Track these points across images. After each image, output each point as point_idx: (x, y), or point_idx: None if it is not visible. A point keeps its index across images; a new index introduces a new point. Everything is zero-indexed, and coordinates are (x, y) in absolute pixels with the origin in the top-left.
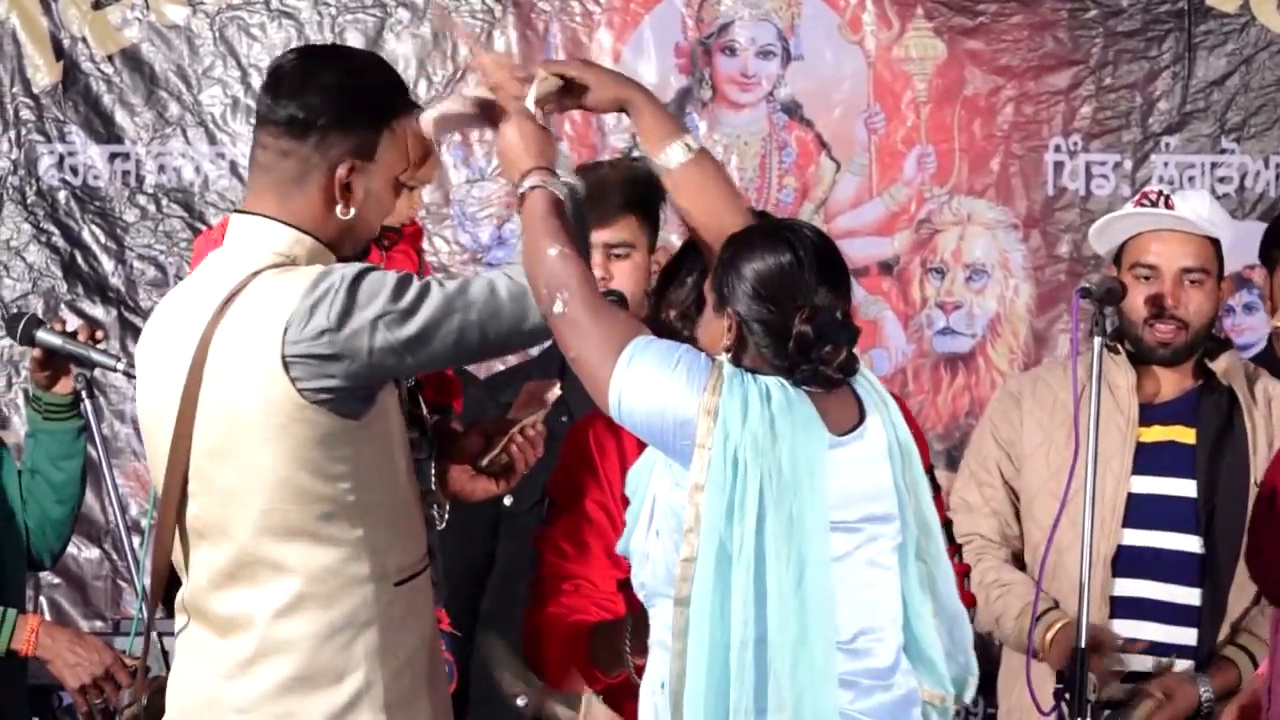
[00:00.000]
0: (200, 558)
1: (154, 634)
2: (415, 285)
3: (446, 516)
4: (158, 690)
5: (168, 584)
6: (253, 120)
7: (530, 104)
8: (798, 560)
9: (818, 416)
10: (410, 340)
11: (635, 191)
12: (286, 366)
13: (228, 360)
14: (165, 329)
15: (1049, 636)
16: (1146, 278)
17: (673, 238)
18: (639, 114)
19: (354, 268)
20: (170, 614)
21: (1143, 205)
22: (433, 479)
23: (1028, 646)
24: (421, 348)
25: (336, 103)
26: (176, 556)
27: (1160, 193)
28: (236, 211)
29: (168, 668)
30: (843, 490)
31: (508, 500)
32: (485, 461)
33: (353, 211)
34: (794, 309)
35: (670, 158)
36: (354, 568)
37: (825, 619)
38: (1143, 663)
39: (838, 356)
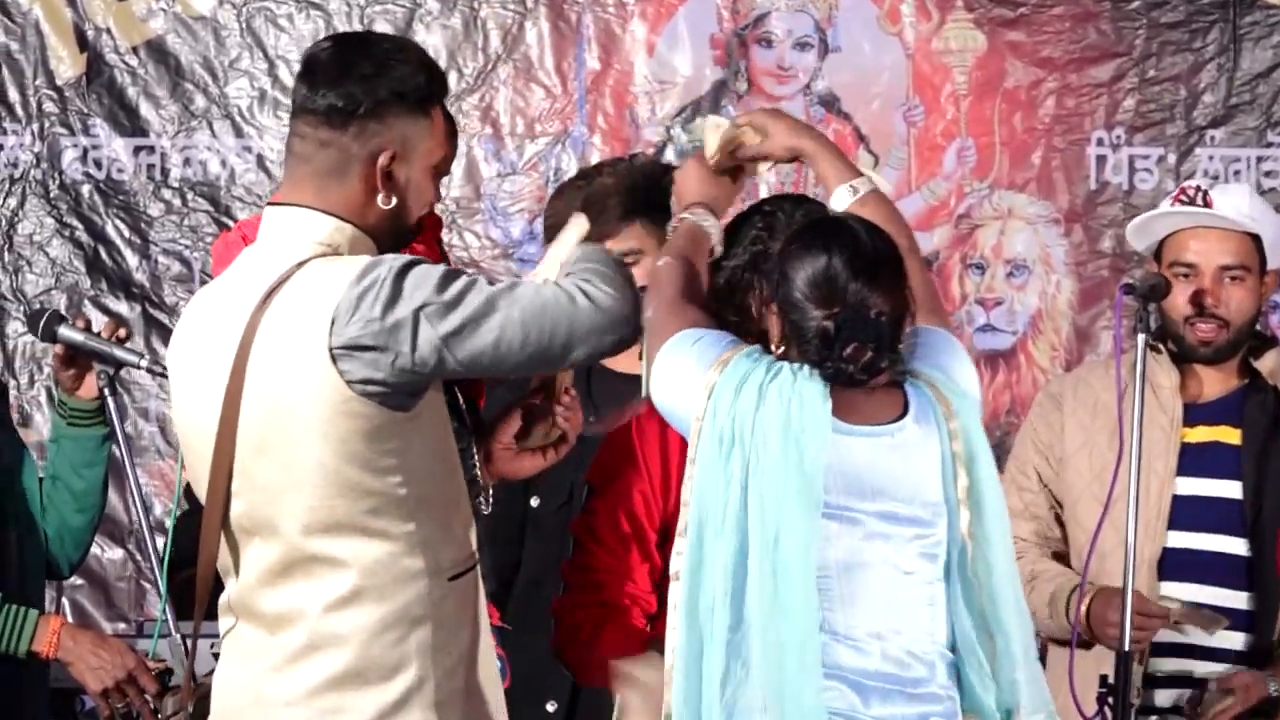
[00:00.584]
0: (250, 556)
1: (179, 636)
2: (462, 279)
3: (491, 502)
4: (203, 696)
5: (183, 585)
6: (280, 113)
7: (709, 152)
8: (775, 537)
9: (823, 399)
10: (451, 334)
11: (636, 198)
12: (334, 358)
13: (273, 353)
14: (202, 325)
15: (1085, 606)
16: (1186, 276)
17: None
18: (814, 162)
19: (402, 258)
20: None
21: (1181, 202)
22: (476, 466)
23: (1071, 633)
24: (462, 343)
25: (376, 91)
26: (222, 557)
27: (1199, 188)
28: (272, 204)
29: (193, 672)
30: (850, 477)
31: (535, 501)
32: (532, 438)
33: (394, 200)
34: (825, 308)
35: (837, 201)
36: (407, 561)
37: (802, 600)
38: (1197, 636)
39: (861, 355)
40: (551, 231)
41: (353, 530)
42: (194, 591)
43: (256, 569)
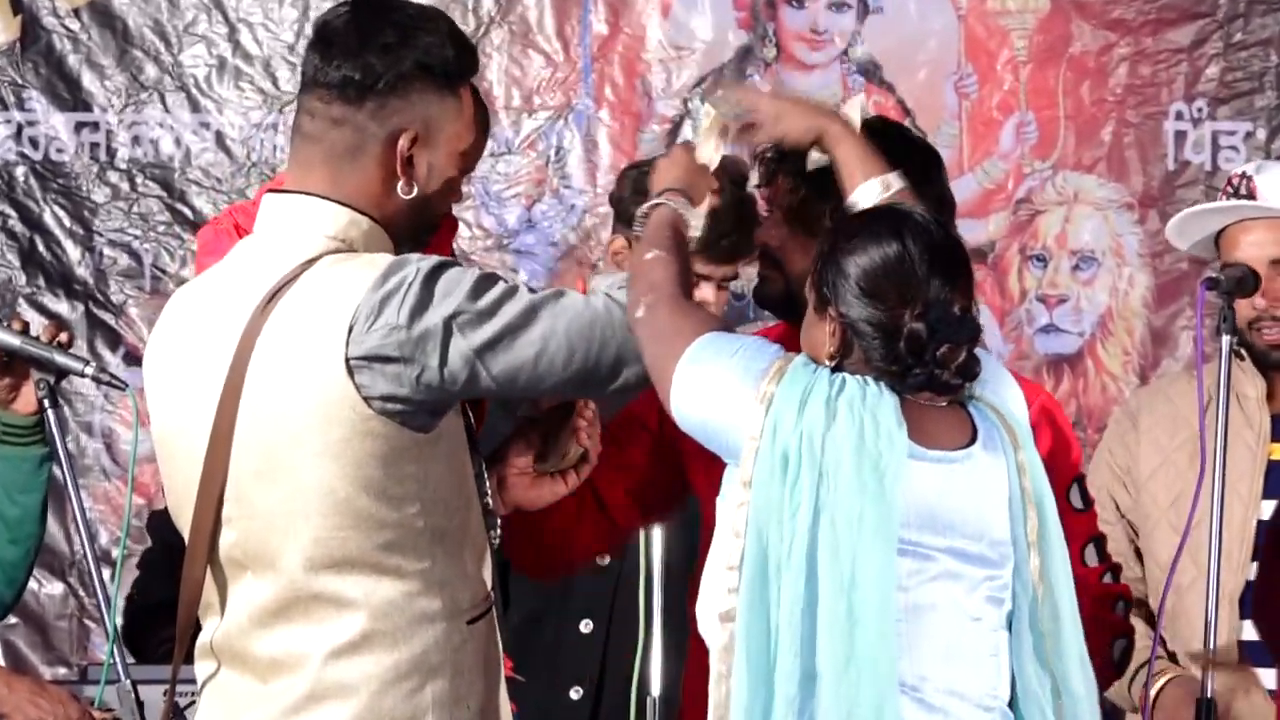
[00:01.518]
0: (240, 592)
1: (129, 682)
2: (500, 285)
3: (501, 537)
4: None
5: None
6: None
7: (703, 150)
8: (850, 576)
9: (898, 418)
10: (485, 346)
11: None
12: (351, 371)
13: (277, 364)
14: (189, 329)
15: (1154, 692)
16: None
17: None
18: (838, 147)
19: (431, 259)
20: (142, 659)
21: (1226, 194)
22: (489, 493)
23: (1141, 708)
24: (497, 356)
25: (399, 62)
26: (205, 593)
27: (1243, 175)
28: (272, 190)
29: None
30: (923, 509)
31: None
32: (551, 461)
33: (415, 189)
34: (905, 305)
35: (864, 196)
36: (423, 603)
37: (879, 651)
38: None
39: (956, 357)
40: (620, 214)
41: (364, 567)
42: (158, 634)
43: (248, 608)
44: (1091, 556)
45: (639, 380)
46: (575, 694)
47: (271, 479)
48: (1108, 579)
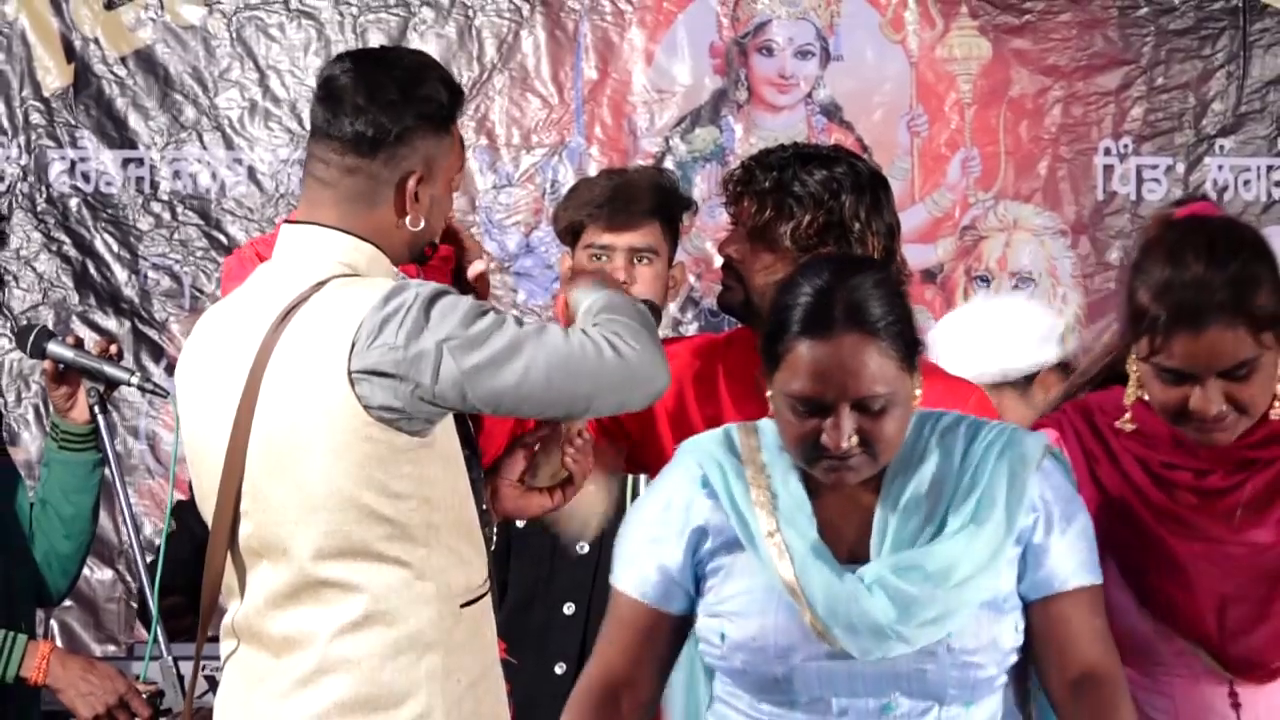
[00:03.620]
0: (257, 578)
1: (170, 658)
2: (491, 316)
3: (495, 538)
4: None
5: (174, 608)
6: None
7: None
8: None
9: None
10: (472, 370)
11: (662, 198)
12: (353, 382)
13: (289, 374)
14: (215, 343)
15: None
16: None
17: (707, 244)
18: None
19: (430, 286)
20: (178, 638)
21: None
22: (485, 499)
23: None
24: (483, 381)
25: (404, 116)
26: (226, 578)
27: None
28: (288, 222)
29: (184, 694)
30: None
31: (519, 521)
32: (540, 478)
33: (423, 222)
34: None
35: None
36: (420, 587)
37: None
38: None
39: None
40: (561, 229)
41: (366, 555)
42: (180, 615)
43: (264, 592)
44: None
45: (610, 410)
46: (560, 669)
47: (283, 477)
48: None
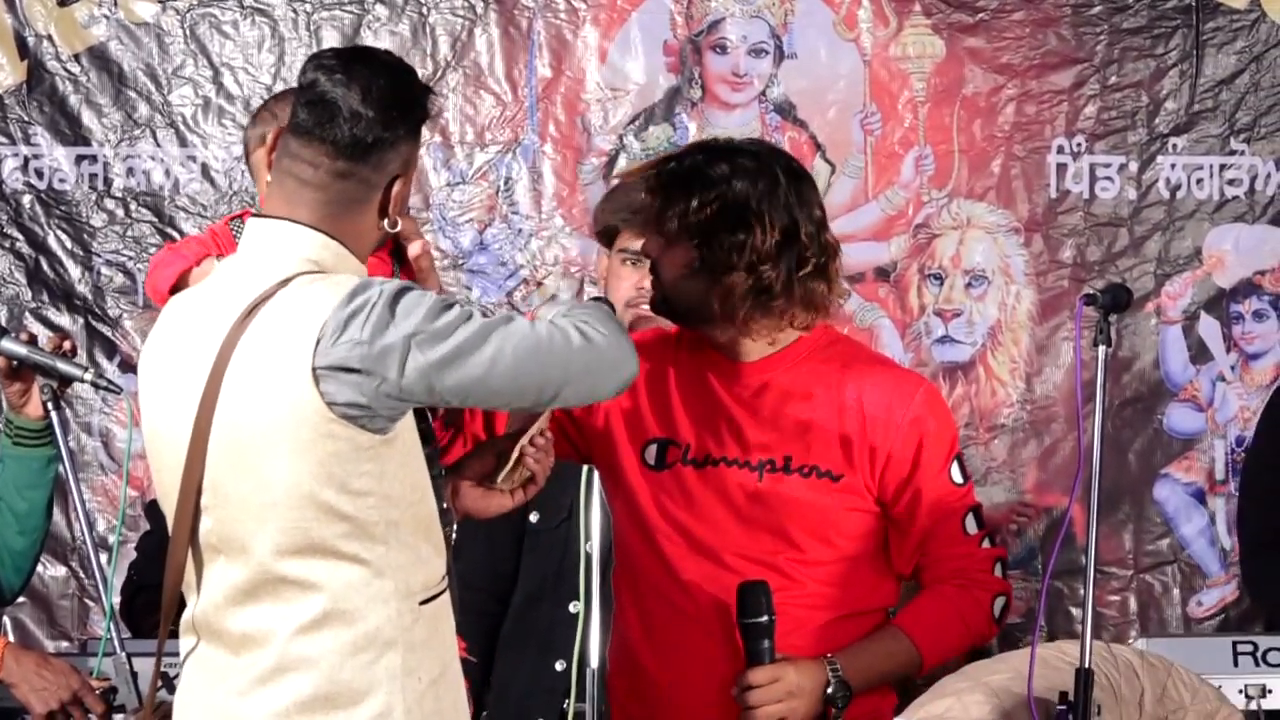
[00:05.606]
0: (215, 574)
1: (124, 654)
2: (456, 309)
3: (454, 536)
4: (164, 718)
5: (148, 605)
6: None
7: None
8: None
9: None
10: (439, 362)
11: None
12: (316, 379)
13: (252, 370)
14: (177, 337)
15: None
16: None
17: None
18: None
19: (393, 283)
20: (138, 633)
21: None
22: (446, 497)
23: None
24: (450, 373)
25: (397, 123)
26: (187, 574)
27: None
28: (256, 215)
29: (138, 691)
30: None
31: (533, 517)
32: (502, 478)
33: (398, 223)
34: None
35: None
36: (378, 585)
37: None
38: None
39: None
40: (598, 232)
41: (325, 553)
42: (154, 612)
43: (223, 588)
44: (971, 525)
45: (579, 398)
46: (559, 666)
47: (244, 473)
48: (985, 544)
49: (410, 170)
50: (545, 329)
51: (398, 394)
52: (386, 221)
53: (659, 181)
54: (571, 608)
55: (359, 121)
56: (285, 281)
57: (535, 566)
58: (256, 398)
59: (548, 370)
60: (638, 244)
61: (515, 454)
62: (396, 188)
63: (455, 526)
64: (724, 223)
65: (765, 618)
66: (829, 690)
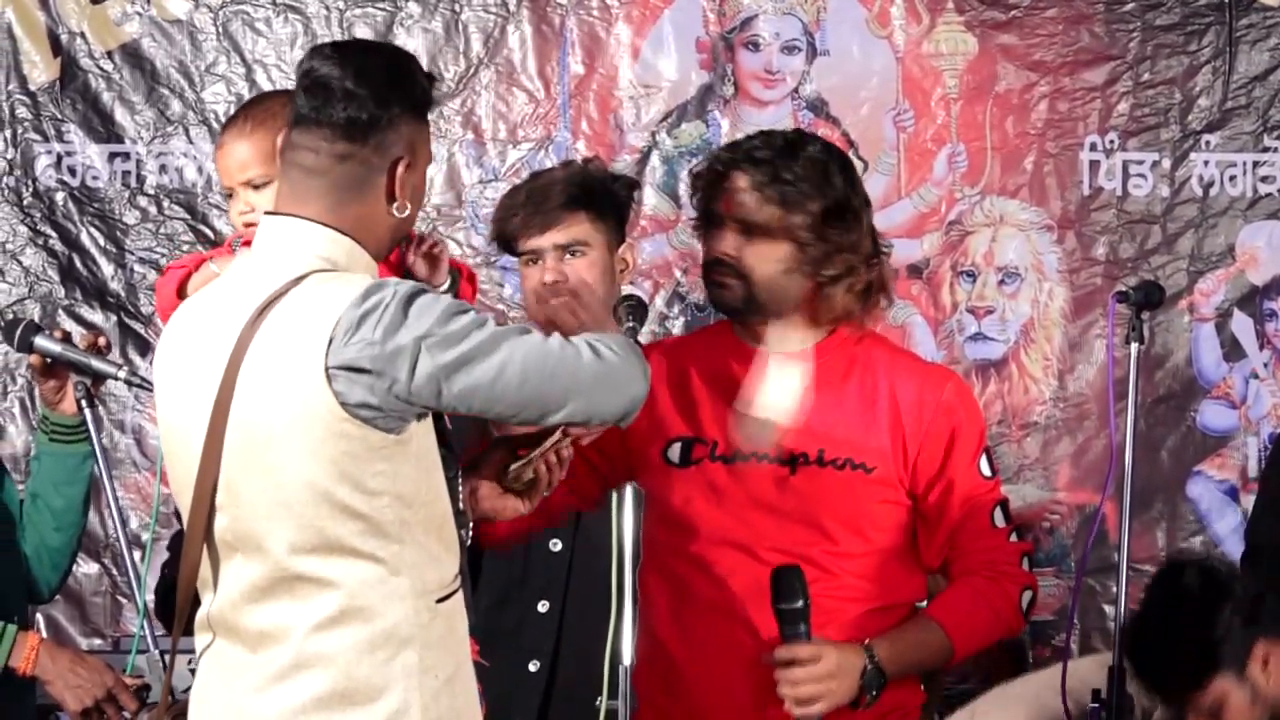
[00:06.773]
0: (231, 572)
1: (157, 651)
2: (470, 314)
3: (472, 536)
4: (178, 714)
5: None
6: None
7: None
8: None
9: None
10: (449, 366)
11: (579, 190)
12: (329, 378)
13: (266, 369)
14: (192, 335)
15: None
16: None
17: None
18: None
19: (407, 284)
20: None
21: None
22: (462, 497)
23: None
24: (459, 377)
25: (392, 100)
26: (201, 571)
27: None
28: (269, 214)
29: (171, 688)
30: None
31: None
32: (511, 474)
33: (408, 208)
34: None
35: None
36: (394, 583)
37: None
38: None
39: None
40: (500, 247)
41: (341, 551)
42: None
43: (239, 586)
44: (1000, 518)
45: (584, 414)
46: (534, 666)
47: (258, 471)
48: (1014, 538)
49: (419, 158)
50: (558, 343)
51: (407, 396)
52: (395, 206)
53: (750, 181)
54: (541, 607)
55: (353, 100)
56: (298, 280)
57: (498, 568)
58: (270, 396)
59: (555, 382)
60: (530, 243)
61: (527, 459)
62: (401, 171)
63: (472, 528)
64: (830, 222)
65: (800, 602)
66: (864, 676)
